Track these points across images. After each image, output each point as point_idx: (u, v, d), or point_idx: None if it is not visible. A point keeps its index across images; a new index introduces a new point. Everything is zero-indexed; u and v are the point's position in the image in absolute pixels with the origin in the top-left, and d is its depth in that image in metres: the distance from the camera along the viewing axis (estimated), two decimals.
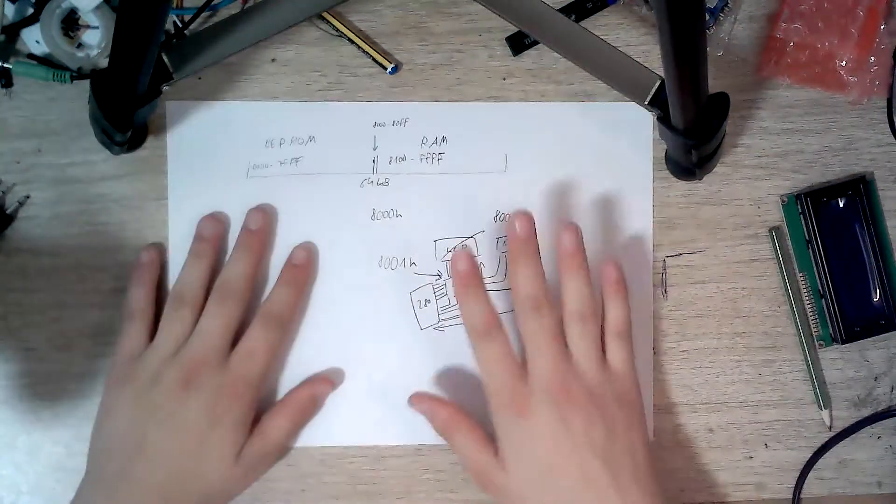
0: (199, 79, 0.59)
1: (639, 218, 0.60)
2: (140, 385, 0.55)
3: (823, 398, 0.60)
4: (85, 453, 0.56)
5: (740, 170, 0.60)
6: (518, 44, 0.59)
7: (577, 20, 0.59)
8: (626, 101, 0.56)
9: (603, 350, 0.55)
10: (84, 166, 0.59)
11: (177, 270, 0.58)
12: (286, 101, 0.59)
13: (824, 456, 0.60)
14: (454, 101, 0.59)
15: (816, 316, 0.60)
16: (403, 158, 0.59)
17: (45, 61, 0.58)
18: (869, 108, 0.60)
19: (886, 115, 0.60)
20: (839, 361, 0.61)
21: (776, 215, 0.60)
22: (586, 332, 0.55)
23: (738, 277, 0.60)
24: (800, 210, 0.60)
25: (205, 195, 0.59)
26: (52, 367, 0.59)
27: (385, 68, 0.59)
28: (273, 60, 0.59)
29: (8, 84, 0.58)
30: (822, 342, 0.60)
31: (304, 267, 0.58)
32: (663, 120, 0.53)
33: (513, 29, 0.59)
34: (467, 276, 0.55)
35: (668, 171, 0.60)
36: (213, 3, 0.58)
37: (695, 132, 0.52)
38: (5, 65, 0.57)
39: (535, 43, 0.59)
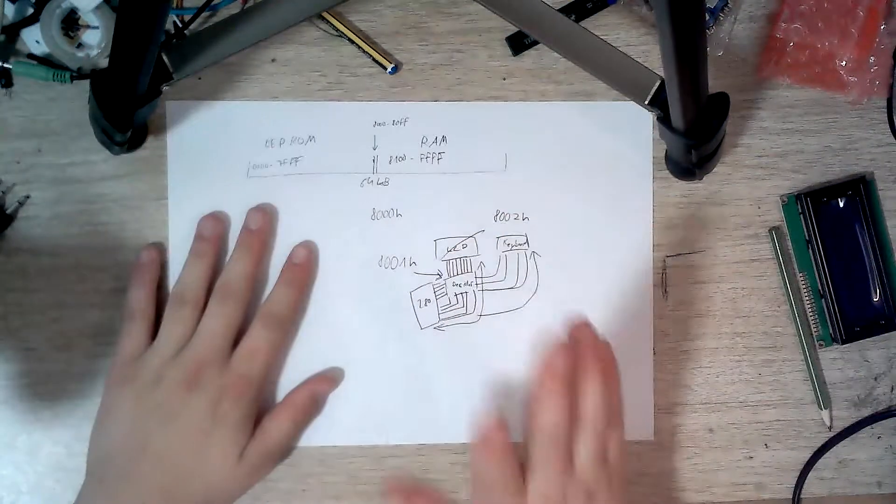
0: (199, 79, 0.59)
1: (639, 218, 0.60)
2: (142, 385, 0.55)
3: (823, 398, 0.60)
4: (85, 453, 0.56)
5: (740, 170, 0.60)
6: (518, 44, 0.59)
7: (577, 20, 0.59)
8: (626, 101, 0.56)
9: None
10: (84, 166, 0.59)
11: (177, 270, 0.58)
12: (286, 101, 0.59)
13: (824, 456, 0.60)
14: (454, 101, 0.59)
15: (816, 316, 0.60)
16: (403, 158, 0.59)
17: (45, 61, 0.58)
18: (869, 108, 0.60)
19: (886, 115, 0.60)
20: (839, 361, 0.61)
21: (776, 215, 0.60)
22: (596, 440, 0.51)
23: (738, 277, 0.60)
24: (800, 210, 0.60)
25: (205, 195, 0.59)
26: (52, 367, 0.59)
27: (385, 68, 0.59)
28: (273, 60, 0.59)
29: (8, 84, 0.58)
30: (822, 342, 0.60)
31: (304, 266, 0.58)
32: (663, 120, 0.53)
33: (513, 29, 0.59)
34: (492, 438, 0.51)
35: (668, 171, 0.60)
36: (213, 3, 0.58)
37: (695, 132, 0.52)
38: (5, 65, 0.57)
39: (535, 43, 0.59)
